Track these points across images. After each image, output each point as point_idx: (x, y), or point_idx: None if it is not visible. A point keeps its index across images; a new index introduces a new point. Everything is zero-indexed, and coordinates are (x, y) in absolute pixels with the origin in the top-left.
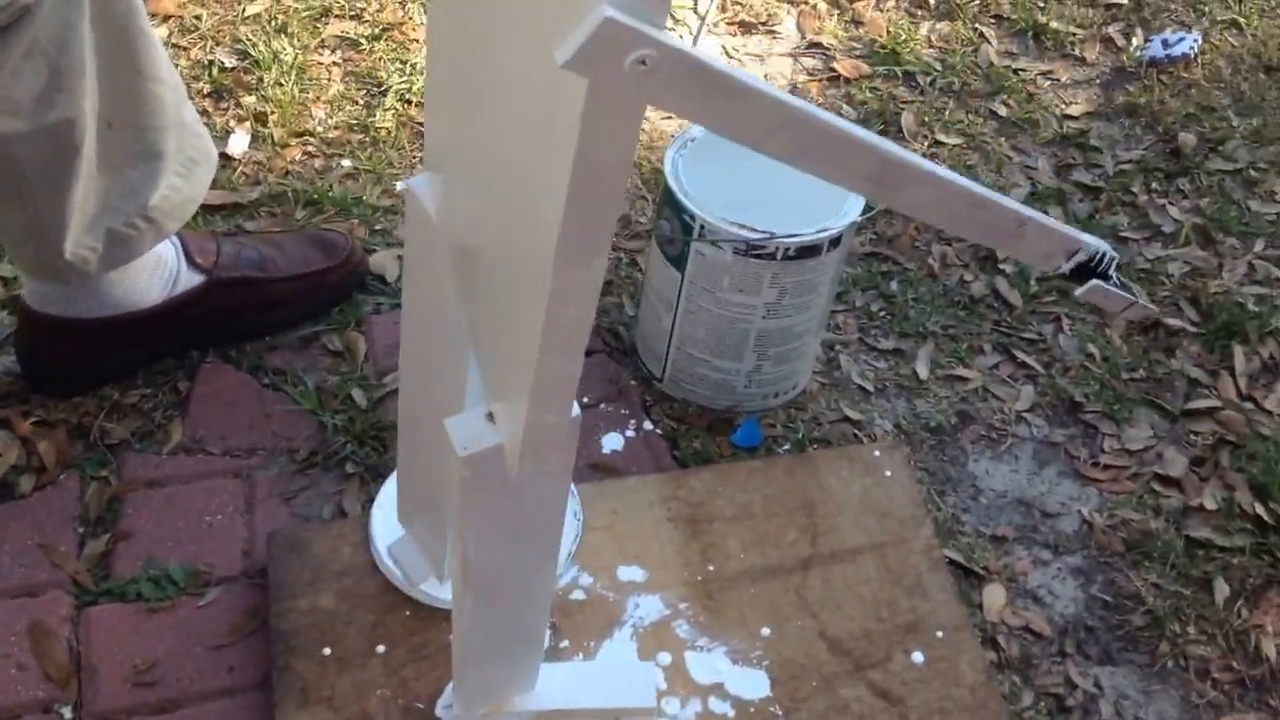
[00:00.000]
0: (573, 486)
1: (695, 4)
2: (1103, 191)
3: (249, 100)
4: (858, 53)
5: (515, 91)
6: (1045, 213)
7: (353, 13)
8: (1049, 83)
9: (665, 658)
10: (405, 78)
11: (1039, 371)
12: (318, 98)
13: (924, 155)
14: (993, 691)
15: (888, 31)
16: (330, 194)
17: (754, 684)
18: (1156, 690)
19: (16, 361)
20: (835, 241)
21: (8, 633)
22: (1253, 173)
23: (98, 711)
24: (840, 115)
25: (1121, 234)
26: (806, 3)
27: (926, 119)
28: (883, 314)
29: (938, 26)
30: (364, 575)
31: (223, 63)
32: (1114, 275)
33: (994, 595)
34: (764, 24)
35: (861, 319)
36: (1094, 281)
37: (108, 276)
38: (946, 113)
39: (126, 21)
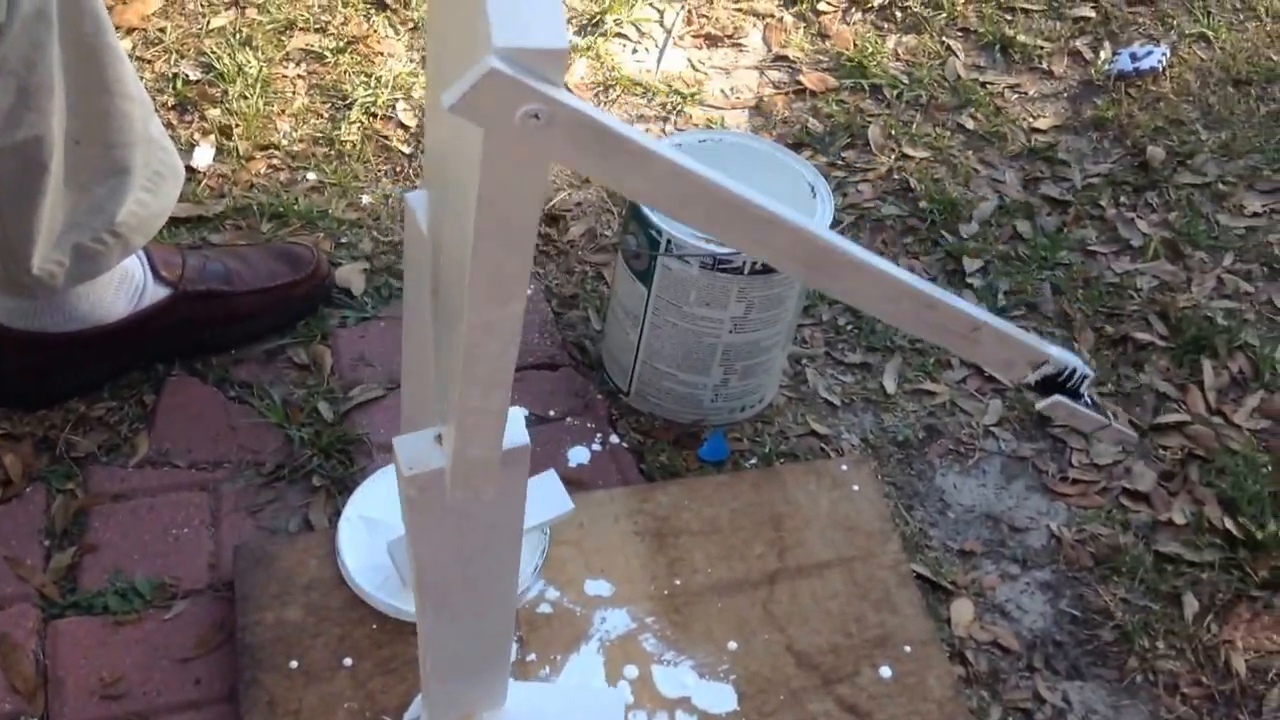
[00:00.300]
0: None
1: (661, 17)
2: (1071, 205)
3: (213, 113)
4: (824, 66)
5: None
6: (1013, 228)
7: (317, 26)
8: (1016, 96)
9: (632, 671)
10: (370, 91)
11: (1007, 386)
12: (282, 111)
13: (891, 168)
14: (961, 706)
15: (854, 45)
16: (295, 207)
17: (721, 698)
18: (1125, 705)
19: None
20: None
21: None
22: (1221, 186)
23: None
24: (807, 128)
25: (1090, 248)
26: (772, 16)
27: (893, 132)
28: (850, 328)
29: (904, 40)
30: (330, 589)
31: (187, 76)
32: (1085, 394)
33: (962, 610)
34: (730, 37)
35: (828, 333)
36: (1057, 397)
37: (74, 291)
38: (914, 126)
39: (95, 39)
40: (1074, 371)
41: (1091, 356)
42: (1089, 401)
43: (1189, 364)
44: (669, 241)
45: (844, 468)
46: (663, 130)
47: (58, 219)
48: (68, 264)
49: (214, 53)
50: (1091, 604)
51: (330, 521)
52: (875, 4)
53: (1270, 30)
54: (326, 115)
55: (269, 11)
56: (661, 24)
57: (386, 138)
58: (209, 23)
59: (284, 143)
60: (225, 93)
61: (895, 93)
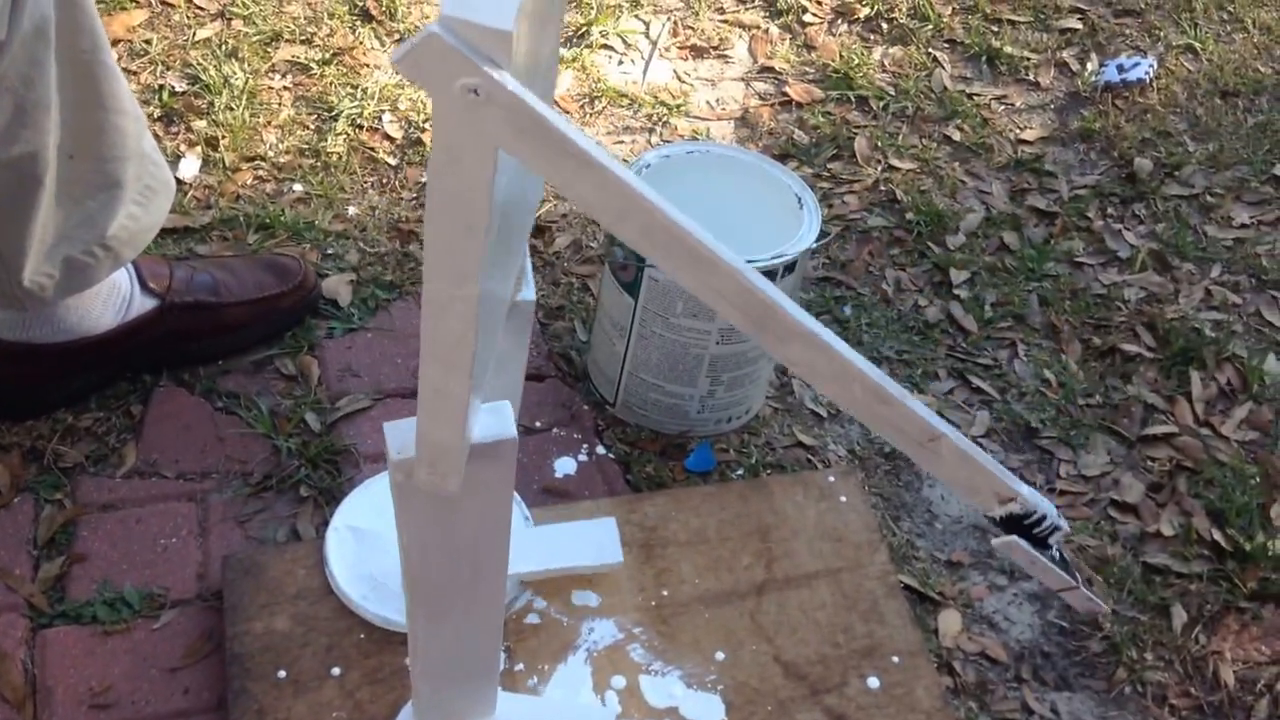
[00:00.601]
0: (527, 510)
1: (647, 29)
2: (1058, 216)
3: (200, 125)
4: (810, 77)
5: None
6: (1000, 239)
7: (303, 38)
8: (1003, 107)
9: (620, 681)
10: (356, 103)
11: (994, 397)
12: (269, 122)
13: (878, 180)
14: (949, 717)
15: (840, 56)
16: (282, 219)
17: (709, 708)
18: (1114, 716)
19: None
20: (790, 267)
21: None
22: (1209, 198)
23: None
24: (793, 140)
25: (1077, 259)
26: (758, 27)
27: (880, 143)
28: None
29: (890, 51)
30: (319, 598)
31: (173, 87)
32: (1054, 546)
33: (950, 621)
34: (715, 48)
35: None
36: (1015, 538)
37: (63, 303)
38: (900, 137)
39: (91, 56)
40: (1043, 518)
41: (1079, 368)
42: (1057, 556)
43: (1177, 375)
44: None
45: (831, 479)
46: (649, 142)
47: (49, 232)
48: (58, 276)
49: (200, 64)
50: (1079, 615)
51: (318, 531)
52: (861, 15)
53: (1257, 42)
54: (312, 127)
55: (255, 23)
56: (647, 36)
57: (373, 149)
58: (195, 34)
59: (270, 154)
60: (211, 104)
61: (881, 104)
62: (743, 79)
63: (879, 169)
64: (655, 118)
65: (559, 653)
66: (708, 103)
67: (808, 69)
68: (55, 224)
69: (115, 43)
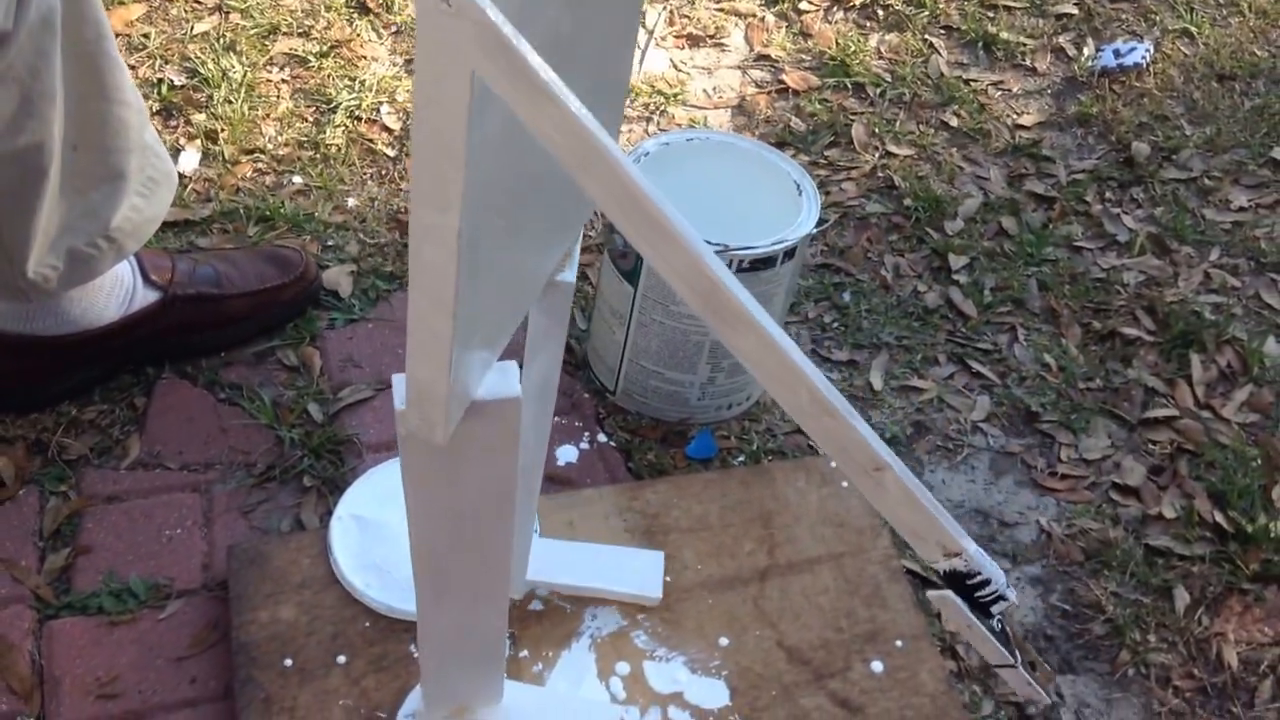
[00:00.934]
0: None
1: (643, 18)
2: (1056, 201)
3: (199, 118)
4: (806, 65)
5: None
6: (998, 225)
7: (300, 31)
8: (1000, 93)
9: (624, 668)
10: (354, 95)
11: (994, 381)
12: (267, 115)
13: (875, 167)
14: (953, 700)
15: (836, 43)
16: (282, 210)
17: (713, 693)
18: (1118, 698)
19: None
20: (790, 253)
21: None
22: (1207, 181)
23: None
24: (790, 127)
25: (1076, 243)
26: (754, 15)
27: (877, 130)
28: (836, 325)
29: (887, 38)
30: (323, 587)
31: (172, 81)
32: (997, 618)
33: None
34: (712, 37)
35: (815, 330)
36: (952, 595)
37: (67, 295)
38: (897, 124)
39: (95, 47)
40: (988, 582)
41: (1079, 352)
42: (998, 627)
43: (1177, 359)
44: None
45: (833, 464)
46: (646, 131)
47: (53, 224)
48: (62, 268)
49: (198, 58)
50: (1082, 598)
51: (322, 521)
52: (857, 3)
53: (1253, 25)
54: (311, 119)
55: (252, 16)
56: (643, 25)
57: (371, 141)
58: (193, 28)
59: (269, 147)
60: (210, 97)
61: (878, 91)
62: (739, 67)
63: (876, 155)
64: (652, 107)
65: (563, 639)
66: (705, 91)
67: (804, 56)
68: (59, 215)
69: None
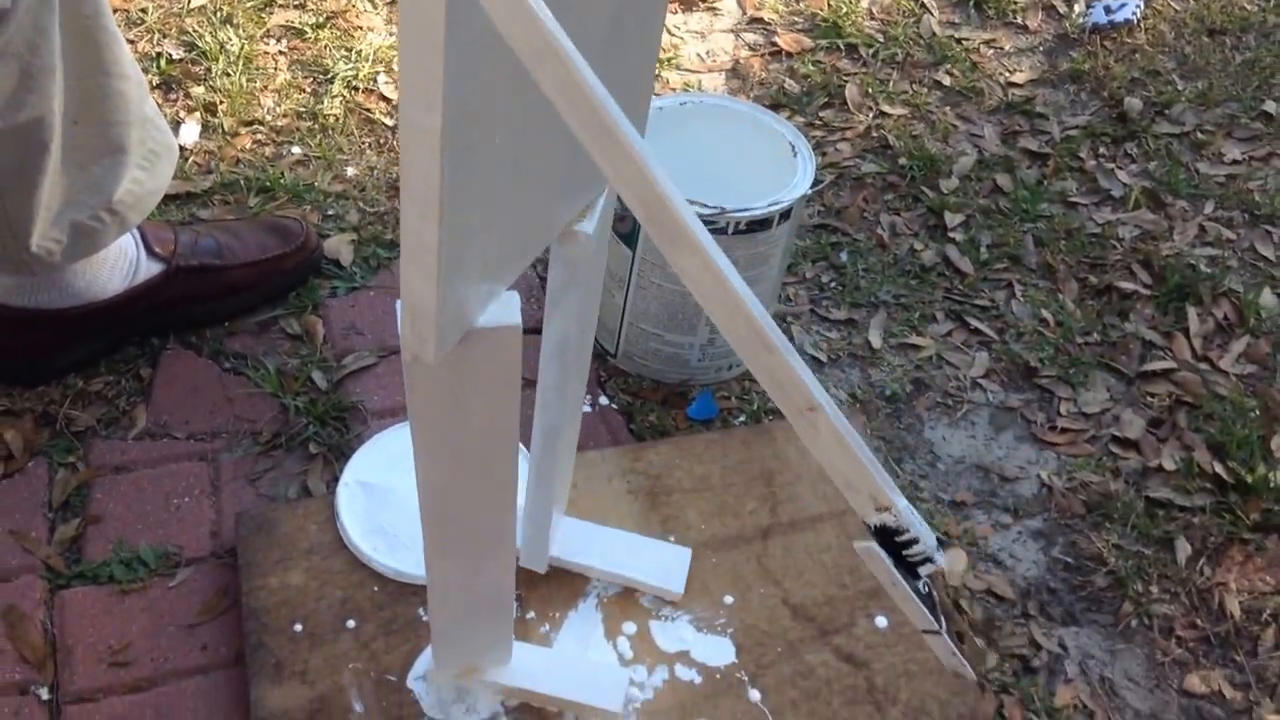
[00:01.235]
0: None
1: None
2: (1050, 158)
3: (198, 91)
4: (799, 27)
5: None
6: (993, 182)
7: (297, 3)
8: (992, 51)
9: (630, 627)
10: (351, 65)
11: (992, 338)
12: (265, 87)
13: (869, 127)
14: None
15: (829, 5)
16: (282, 181)
17: (719, 651)
18: (1121, 649)
19: None
20: (785, 214)
21: None
22: (1200, 135)
23: (74, 692)
24: (784, 89)
25: (1071, 199)
26: None
27: (870, 90)
28: (834, 285)
29: None
30: (331, 552)
31: (170, 54)
32: (923, 579)
33: (956, 560)
34: (705, 1)
35: (813, 290)
36: (877, 547)
37: (71, 268)
38: (890, 84)
39: (93, 22)
40: (915, 541)
41: (1076, 307)
42: (924, 590)
43: (1174, 311)
44: None
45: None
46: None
47: (56, 198)
48: (65, 242)
49: (196, 31)
50: (1084, 551)
51: (328, 487)
52: None
53: None
54: (309, 90)
55: None
56: None
57: (369, 110)
58: (190, 2)
59: (268, 118)
60: (208, 70)
61: (871, 51)
62: (732, 30)
63: (870, 116)
64: None
65: (570, 600)
66: (698, 55)
67: (796, 19)
68: (62, 189)
69: (111, 12)
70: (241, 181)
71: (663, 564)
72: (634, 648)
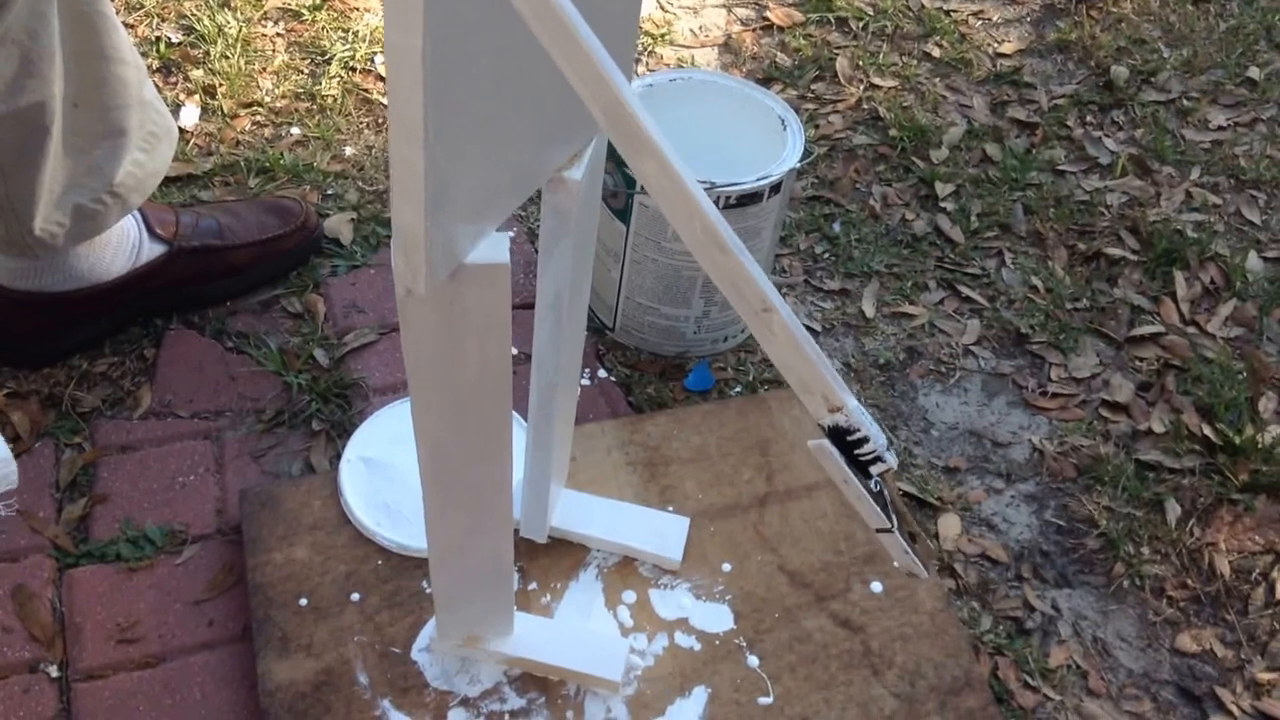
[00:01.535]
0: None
1: None
2: (1039, 126)
3: (197, 74)
4: (790, 1)
5: None
6: (982, 151)
7: None
8: (980, 23)
9: (630, 596)
10: (348, 46)
11: (984, 305)
12: (264, 69)
13: (860, 99)
14: (951, 617)
15: None
16: (281, 162)
17: (718, 618)
18: (1114, 610)
19: None
20: (775, 188)
21: None
22: (1185, 102)
23: (83, 669)
24: (776, 63)
25: (1059, 167)
26: None
27: (861, 63)
28: (827, 256)
29: None
30: (335, 528)
31: (169, 38)
32: (875, 478)
33: (949, 525)
34: None
35: (806, 261)
36: (830, 445)
37: (75, 251)
38: (880, 56)
39: (90, 8)
40: (866, 440)
41: (1065, 274)
42: (876, 489)
43: (1161, 276)
44: None
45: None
46: (635, 72)
47: (58, 181)
48: (68, 224)
49: (194, 15)
50: (1076, 514)
51: (331, 464)
52: None
53: None
54: (307, 71)
55: None
56: None
57: (366, 90)
58: None
59: (267, 100)
60: (207, 53)
61: (861, 24)
62: (724, 5)
63: (861, 88)
64: (641, 47)
65: (570, 570)
66: (691, 30)
67: None
68: (64, 173)
69: None
70: (241, 163)
71: (661, 533)
72: (634, 616)
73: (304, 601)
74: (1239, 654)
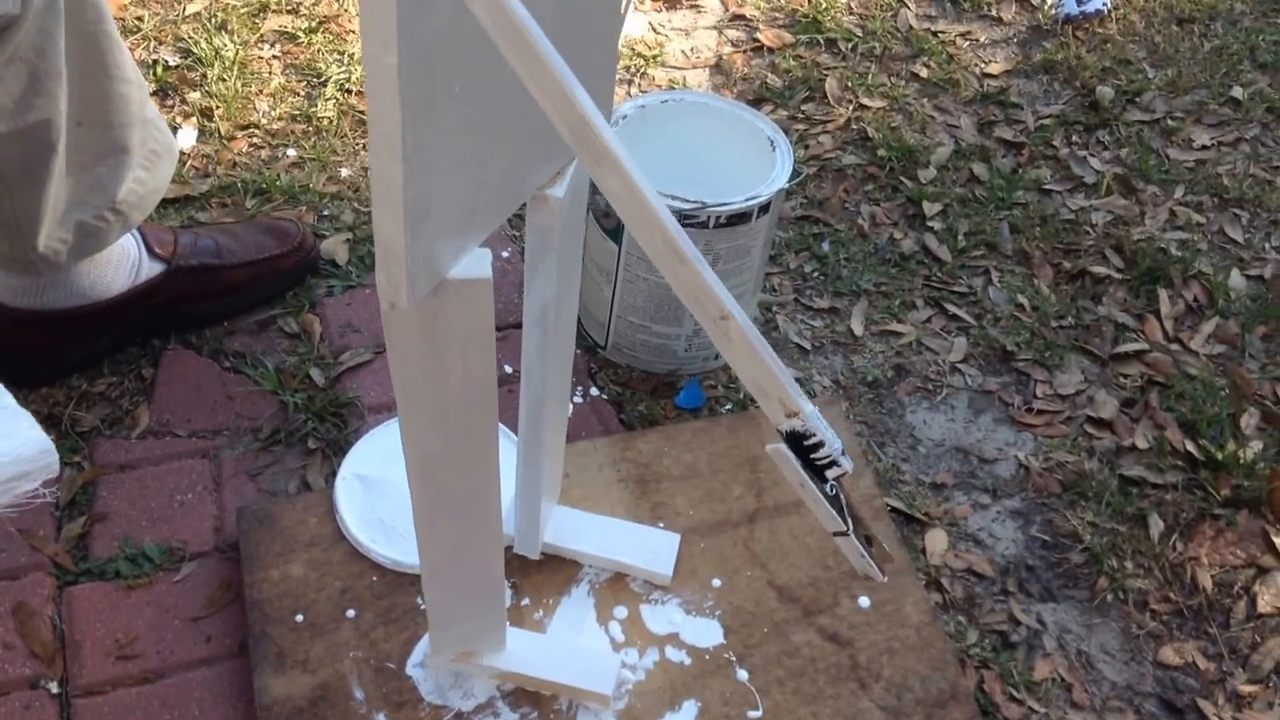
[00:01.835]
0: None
1: None
2: (1025, 146)
3: (194, 96)
4: (780, 22)
5: None
6: (970, 171)
7: (289, 8)
8: (968, 43)
9: (622, 611)
10: (344, 68)
11: (970, 323)
12: (260, 91)
13: (850, 119)
14: (937, 631)
15: (809, 1)
16: (278, 183)
17: (708, 632)
18: (1097, 624)
19: None
20: (764, 208)
21: None
22: (1170, 122)
23: (83, 685)
24: (766, 84)
25: (1045, 186)
26: None
27: (850, 84)
28: (816, 274)
29: None
30: (331, 544)
31: (166, 61)
32: (830, 482)
33: (936, 540)
34: None
35: (796, 280)
36: (786, 449)
37: (77, 268)
38: (869, 77)
39: (95, 27)
40: (821, 444)
41: (1051, 292)
42: (832, 493)
43: (1145, 294)
44: None
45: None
46: (628, 93)
47: (61, 198)
48: (71, 241)
49: (191, 38)
50: (1061, 528)
51: (327, 481)
52: None
53: None
54: (303, 93)
55: None
56: None
57: (361, 112)
58: (185, 9)
59: (263, 122)
60: (204, 76)
61: (850, 45)
62: (715, 27)
63: (850, 108)
64: (633, 69)
65: (563, 586)
66: (683, 52)
67: (777, 15)
68: (67, 190)
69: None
70: (238, 184)
71: (653, 549)
72: (625, 631)
73: (300, 618)
74: (1221, 666)
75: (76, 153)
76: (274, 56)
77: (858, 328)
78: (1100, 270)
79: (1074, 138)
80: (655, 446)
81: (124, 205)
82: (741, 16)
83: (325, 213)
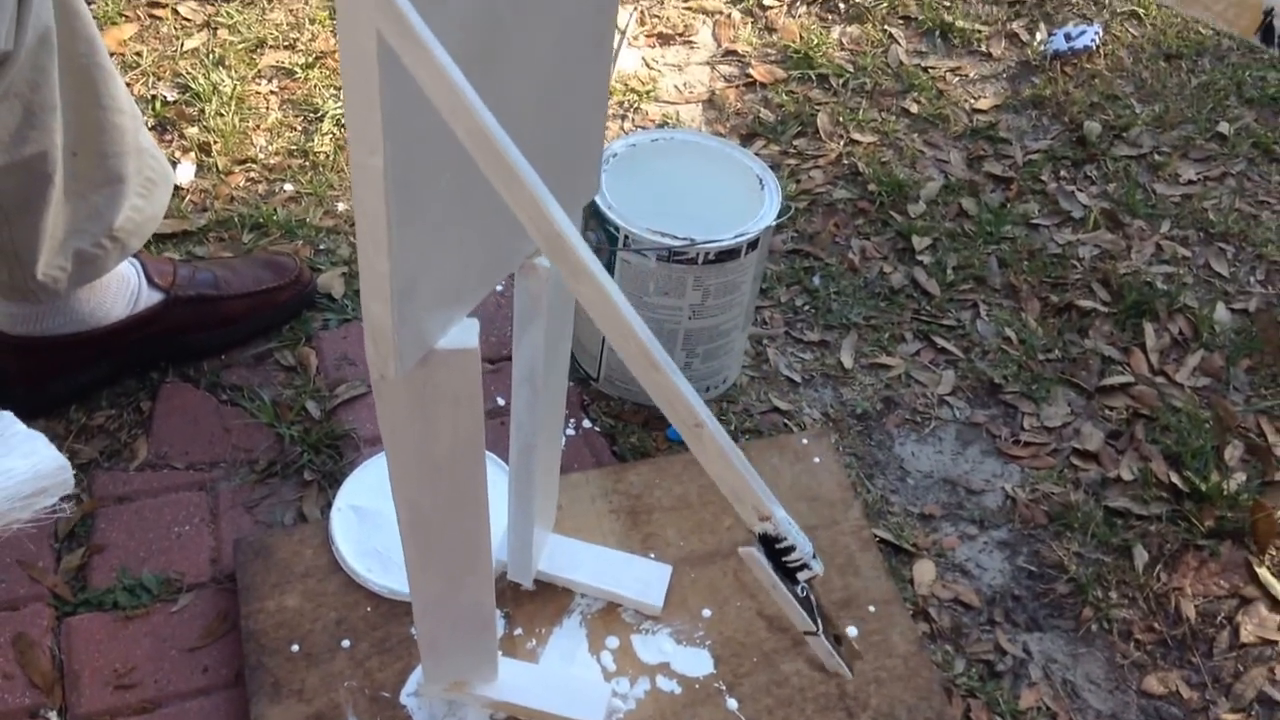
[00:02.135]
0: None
1: (615, 19)
2: (1013, 181)
3: (192, 131)
4: (772, 58)
5: None
6: (959, 206)
7: (286, 43)
8: (957, 79)
9: (613, 641)
10: (340, 103)
11: (959, 356)
12: (257, 126)
13: (840, 154)
14: (924, 660)
15: (800, 37)
16: (275, 217)
17: (698, 662)
18: (1083, 653)
19: None
20: (753, 244)
21: None
22: (1157, 157)
23: (82, 714)
24: (759, 119)
25: (1033, 221)
26: (721, 13)
27: (841, 119)
28: (807, 308)
29: (848, 30)
30: (326, 575)
31: (165, 97)
32: (802, 585)
33: (924, 570)
34: (681, 35)
35: (787, 313)
36: (757, 552)
37: (76, 295)
38: (860, 112)
39: (88, 60)
40: (793, 548)
41: (1038, 325)
42: (802, 594)
43: (1131, 327)
44: (626, 237)
45: (805, 441)
46: (621, 127)
47: (59, 227)
48: (70, 268)
49: (189, 74)
50: (1047, 559)
51: (322, 513)
52: None
53: None
54: (300, 128)
55: (239, 32)
56: (616, 26)
57: None
58: (183, 45)
59: (260, 156)
60: (202, 111)
61: (841, 81)
62: (708, 63)
63: (841, 143)
64: (626, 104)
65: (555, 616)
66: (676, 87)
67: (770, 50)
68: (65, 219)
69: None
70: (236, 219)
71: (644, 579)
72: (617, 661)
73: (296, 648)
74: (1204, 695)
75: (73, 182)
76: (271, 92)
77: (847, 360)
78: (1087, 304)
79: (1062, 172)
80: (646, 478)
81: (121, 232)
82: (734, 52)
83: (322, 247)
